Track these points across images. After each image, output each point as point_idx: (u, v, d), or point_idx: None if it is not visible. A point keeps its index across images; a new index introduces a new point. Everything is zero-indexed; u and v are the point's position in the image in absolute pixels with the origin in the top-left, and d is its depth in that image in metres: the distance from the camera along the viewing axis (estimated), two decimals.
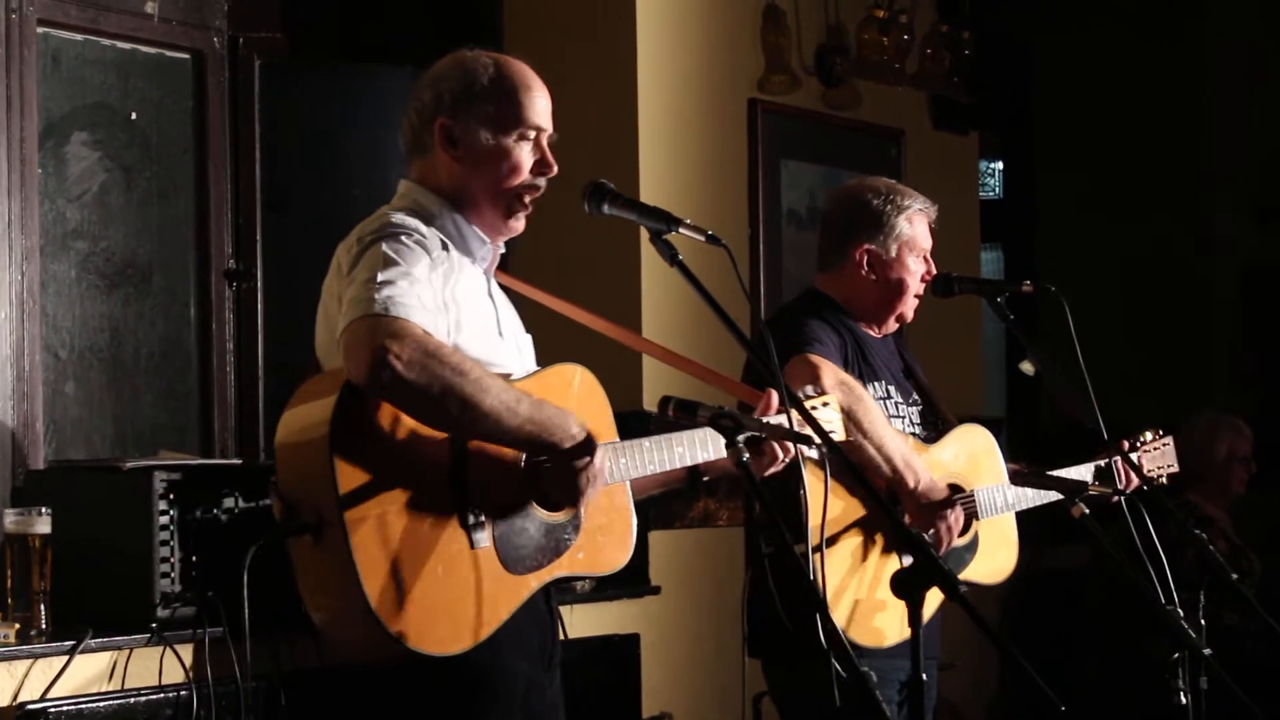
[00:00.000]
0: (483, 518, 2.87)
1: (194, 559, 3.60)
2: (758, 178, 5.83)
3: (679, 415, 2.94)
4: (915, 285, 4.02)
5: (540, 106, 3.07)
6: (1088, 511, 3.76)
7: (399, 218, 2.96)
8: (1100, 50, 7.95)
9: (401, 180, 3.13)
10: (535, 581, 2.96)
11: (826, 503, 3.11)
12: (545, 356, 3.25)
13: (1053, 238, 8.21)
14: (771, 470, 3.20)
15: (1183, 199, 7.83)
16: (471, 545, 2.86)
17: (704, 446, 3.16)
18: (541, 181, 3.08)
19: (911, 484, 3.79)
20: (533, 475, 2.94)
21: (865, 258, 3.98)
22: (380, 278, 2.80)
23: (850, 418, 3.63)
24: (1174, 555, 3.91)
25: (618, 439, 3.11)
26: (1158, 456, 4.41)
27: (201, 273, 5.03)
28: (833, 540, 3.69)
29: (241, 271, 5.07)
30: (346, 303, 2.83)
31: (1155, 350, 7.73)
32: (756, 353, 3.00)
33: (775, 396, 3.19)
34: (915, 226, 4.01)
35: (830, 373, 3.72)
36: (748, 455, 2.85)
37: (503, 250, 3.16)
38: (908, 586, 2.72)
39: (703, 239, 2.95)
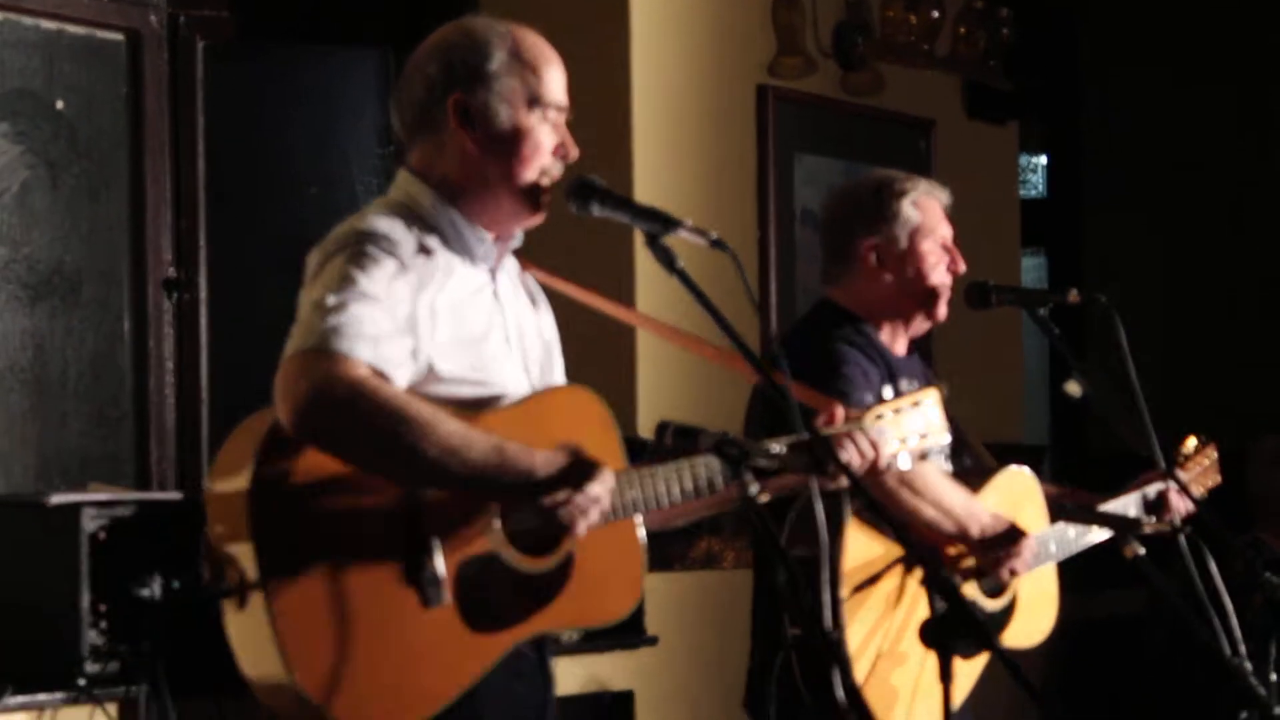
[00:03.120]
0: (441, 573, 2.87)
1: (127, 606, 3.59)
2: (768, 173, 5.84)
3: (678, 442, 2.94)
4: (939, 277, 4.01)
5: (561, 83, 3.09)
6: (1142, 552, 3.76)
7: (371, 223, 2.95)
8: (1155, 30, 7.95)
9: (400, 169, 3.13)
10: (509, 639, 2.95)
11: (842, 546, 3.09)
12: None
13: (1102, 242, 8.20)
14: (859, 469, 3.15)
15: (1250, 199, 7.82)
16: (427, 604, 2.86)
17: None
18: (560, 167, 3.08)
19: (977, 534, 3.78)
20: (504, 520, 2.93)
21: (874, 254, 3.98)
22: (330, 301, 2.81)
23: (903, 478, 3.63)
24: (1240, 601, 3.91)
25: (627, 468, 3.09)
26: (1200, 473, 4.38)
27: (137, 282, 5.03)
28: (870, 583, 3.69)
29: (182, 280, 5.07)
30: (294, 328, 2.84)
31: (1217, 368, 7.72)
32: (766, 373, 2.99)
33: (840, 408, 3.18)
34: (925, 211, 4.00)
35: None
36: (756, 489, 2.84)
37: (518, 242, 3.17)
38: (938, 636, 2.72)
39: (705, 243, 2.94)
